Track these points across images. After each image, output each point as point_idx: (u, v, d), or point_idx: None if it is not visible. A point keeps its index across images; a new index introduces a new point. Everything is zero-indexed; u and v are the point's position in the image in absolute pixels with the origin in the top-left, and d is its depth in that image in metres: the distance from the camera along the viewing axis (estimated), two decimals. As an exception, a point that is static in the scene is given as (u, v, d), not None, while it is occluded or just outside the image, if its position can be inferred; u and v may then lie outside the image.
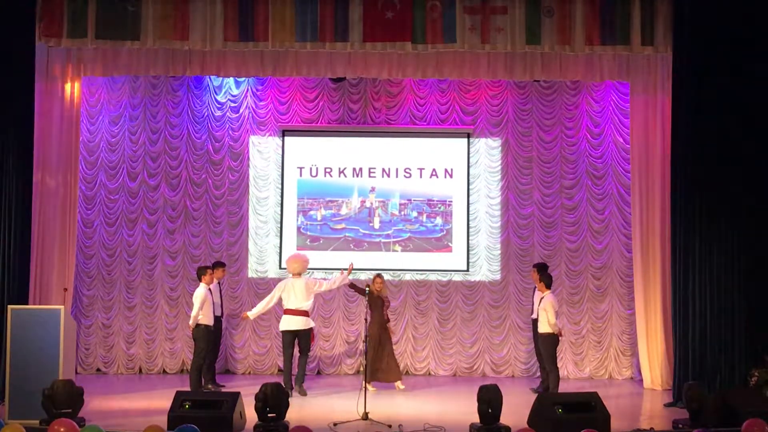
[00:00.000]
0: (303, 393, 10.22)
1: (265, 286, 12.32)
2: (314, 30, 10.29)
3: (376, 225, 12.45)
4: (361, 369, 10.63)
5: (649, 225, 11.12)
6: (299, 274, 10.59)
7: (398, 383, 10.87)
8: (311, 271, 12.31)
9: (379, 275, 11.08)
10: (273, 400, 7.93)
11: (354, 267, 12.10)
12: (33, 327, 8.73)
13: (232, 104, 12.53)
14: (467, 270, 12.36)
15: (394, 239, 12.43)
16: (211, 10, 10.31)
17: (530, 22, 10.26)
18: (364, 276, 12.19)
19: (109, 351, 12.20)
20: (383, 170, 12.48)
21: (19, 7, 10.22)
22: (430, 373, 12.28)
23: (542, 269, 10.78)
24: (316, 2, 10.27)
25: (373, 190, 12.49)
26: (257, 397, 7.93)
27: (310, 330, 10.55)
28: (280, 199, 12.47)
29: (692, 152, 10.12)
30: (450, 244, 12.42)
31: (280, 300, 10.56)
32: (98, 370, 12.17)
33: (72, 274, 11.26)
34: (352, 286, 10.91)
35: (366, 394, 8.83)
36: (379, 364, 10.74)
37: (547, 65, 10.99)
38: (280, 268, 12.32)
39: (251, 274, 12.41)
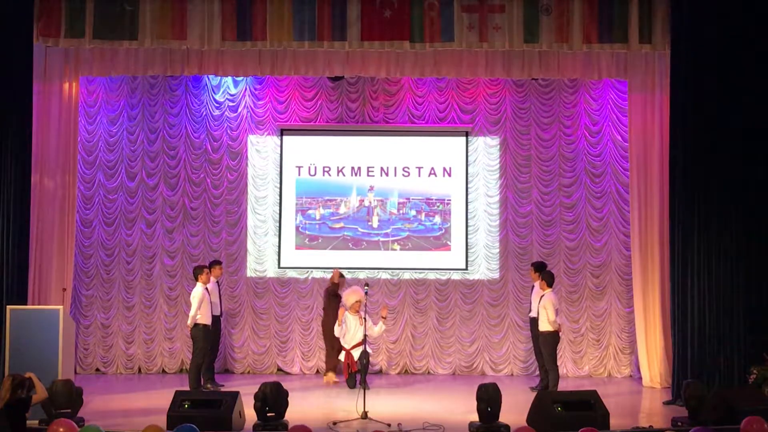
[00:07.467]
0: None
1: (264, 285, 12.32)
2: (312, 29, 10.29)
3: (375, 224, 12.44)
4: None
5: (648, 223, 11.13)
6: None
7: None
8: (310, 270, 12.35)
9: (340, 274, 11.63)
10: (272, 400, 7.94)
11: (353, 266, 12.22)
12: (32, 327, 8.75)
13: (231, 104, 12.51)
14: (466, 268, 12.35)
15: (393, 238, 12.41)
16: (209, 9, 10.30)
17: (528, 21, 10.26)
18: (363, 275, 12.20)
19: (108, 351, 12.19)
20: (382, 169, 12.46)
21: (16, 7, 10.19)
22: (429, 372, 12.27)
23: (541, 268, 10.79)
24: (314, 1, 10.26)
25: (371, 188, 12.47)
26: (256, 397, 7.94)
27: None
28: (278, 198, 12.46)
29: (691, 150, 10.12)
30: (449, 242, 12.41)
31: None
32: (97, 369, 12.16)
33: (71, 274, 11.26)
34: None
35: (365, 393, 8.84)
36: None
37: (545, 63, 11.01)
38: (279, 267, 12.31)
39: (250, 273, 12.39)
